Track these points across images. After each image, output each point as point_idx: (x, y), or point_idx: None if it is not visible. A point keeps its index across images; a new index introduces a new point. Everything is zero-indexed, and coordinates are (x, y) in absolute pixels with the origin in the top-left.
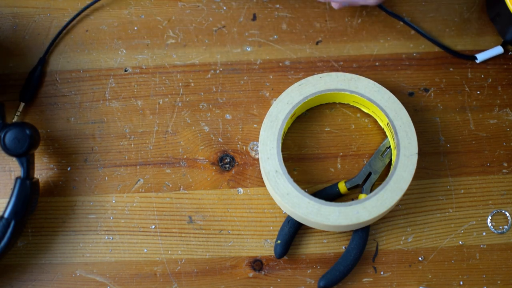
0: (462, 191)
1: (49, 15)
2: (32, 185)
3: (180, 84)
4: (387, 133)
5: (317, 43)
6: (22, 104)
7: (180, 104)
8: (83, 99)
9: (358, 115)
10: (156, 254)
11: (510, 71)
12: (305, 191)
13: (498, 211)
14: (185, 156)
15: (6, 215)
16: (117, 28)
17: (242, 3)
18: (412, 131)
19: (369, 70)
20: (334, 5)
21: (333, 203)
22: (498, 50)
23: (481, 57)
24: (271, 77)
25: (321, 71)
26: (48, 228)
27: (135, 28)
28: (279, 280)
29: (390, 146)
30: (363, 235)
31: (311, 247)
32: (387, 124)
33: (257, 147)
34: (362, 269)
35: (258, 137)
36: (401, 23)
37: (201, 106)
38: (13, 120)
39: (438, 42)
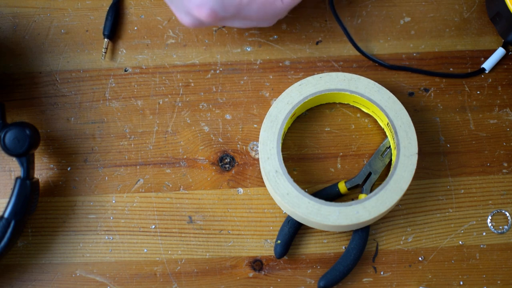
0: (462, 191)
1: (49, 15)
2: (32, 185)
3: (180, 84)
4: (387, 133)
5: (317, 43)
6: (107, 41)
7: (180, 104)
8: (83, 99)
9: (358, 115)
10: (156, 254)
11: (510, 71)
12: (305, 191)
13: (498, 211)
14: (185, 156)
15: (6, 215)
16: (117, 28)
17: None
18: (412, 131)
19: (369, 70)
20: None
21: (333, 203)
22: (501, 52)
23: (488, 65)
24: (271, 77)
25: (321, 71)
26: (48, 228)
27: (135, 28)
28: (279, 280)
29: (390, 146)
30: (363, 235)
31: (311, 247)
32: (387, 124)
33: (257, 147)
34: (362, 269)
35: (258, 137)
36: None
37: (201, 106)
38: (102, 58)
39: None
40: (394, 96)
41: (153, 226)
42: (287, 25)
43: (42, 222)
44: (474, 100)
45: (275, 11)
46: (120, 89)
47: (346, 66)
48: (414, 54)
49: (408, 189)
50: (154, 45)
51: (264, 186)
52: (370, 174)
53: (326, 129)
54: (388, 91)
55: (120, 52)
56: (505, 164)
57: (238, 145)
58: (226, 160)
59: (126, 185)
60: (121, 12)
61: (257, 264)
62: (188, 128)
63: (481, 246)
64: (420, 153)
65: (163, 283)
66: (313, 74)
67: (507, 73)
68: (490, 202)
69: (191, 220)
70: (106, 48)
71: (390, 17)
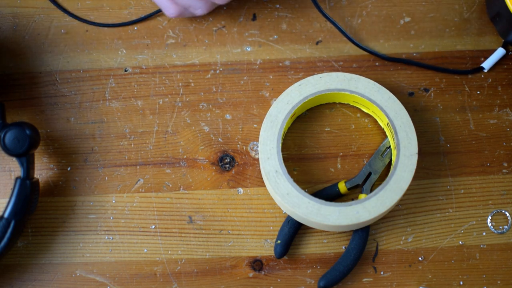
0: (462, 191)
1: (49, 15)
2: (32, 185)
3: (180, 84)
4: (387, 133)
5: (317, 43)
6: None
7: (180, 104)
8: (83, 99)
9: (358, 115)
10: (156, 254)
11: (510, 71)
12: (305, 191)
13: (498, 211)
14: (185, 156)
15: (6, 215)
16: (117, 28)
17: (242, 3)
18: (412, 131)
19: (369, 70)
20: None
21: (333, 203)
22: (501, 52)
23: (487, 65)
24: (271, 77)
25: (321, 71)
26: (48, 228)
27: (135, 28)
28: (279, 280)
29: (390, 146)
30: (363, 235)
31: (311, 247)
32: (387, 124)
33: (257, 147)
34: (362, 269)
35: (258, 137)
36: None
37: (201, 106)
38: None
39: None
40: (394, 96)
41: (153, 226)
42: (287, 25)
43: (42, 222)
44: (474, 100)
45: None
46: (120, 89)
47: (346, 66)
48: (414, 54)
49: (408, 189)
50: (154, 45)
51: (264, 186)
52: (370, 174)
53: (326, 129)
54: (388, 91)
55: (120, 52)
56: (505, 164)
57: (238, 145)
58: (226, 160)
59: (126, 185)
60: (121, 13)
61: (257, 264)
62: (188, 128)
63: (481, 246)
64: (420, 153)
65: (163, 283)
66: (313, 74)
67: (507, 73)
68: (490, 202)
69: (191, 220)
70: None
71: (390, 17)
